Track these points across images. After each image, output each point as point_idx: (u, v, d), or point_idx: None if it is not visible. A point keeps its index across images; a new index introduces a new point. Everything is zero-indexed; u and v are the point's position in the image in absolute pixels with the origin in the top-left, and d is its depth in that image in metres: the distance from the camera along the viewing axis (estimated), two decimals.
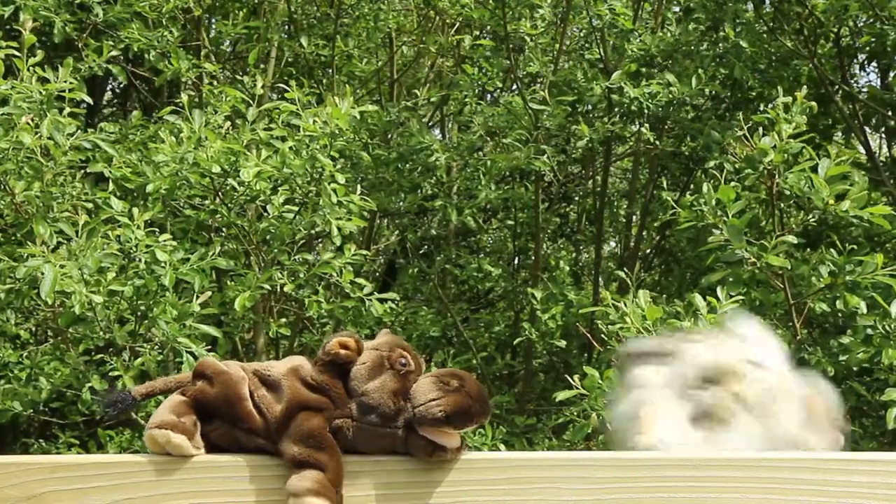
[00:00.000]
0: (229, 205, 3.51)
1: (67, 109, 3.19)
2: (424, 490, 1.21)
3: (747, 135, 3.22)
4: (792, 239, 3.13)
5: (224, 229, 3.86)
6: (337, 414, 1.22)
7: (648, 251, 5.85)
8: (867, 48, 4.81)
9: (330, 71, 4.97)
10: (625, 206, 5.76)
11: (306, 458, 1.18)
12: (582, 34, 5.40)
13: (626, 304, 3.01)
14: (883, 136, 5.38)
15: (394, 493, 1.21)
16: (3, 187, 3.18)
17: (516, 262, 6.04)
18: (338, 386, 1.25)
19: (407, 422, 1.22)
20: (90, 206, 3.33)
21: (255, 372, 1.27)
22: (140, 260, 3.12)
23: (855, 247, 3.28)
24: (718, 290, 2.99)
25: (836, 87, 4.66)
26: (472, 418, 1.24)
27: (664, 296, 4.19)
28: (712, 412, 1.39)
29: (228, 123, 3.61)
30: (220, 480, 1.20)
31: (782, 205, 3.57)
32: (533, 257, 5.33)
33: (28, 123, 3.08)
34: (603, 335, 3.24)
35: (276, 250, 3.57)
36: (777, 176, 3.19)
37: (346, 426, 1.22)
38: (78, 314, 3.02)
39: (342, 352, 1.25)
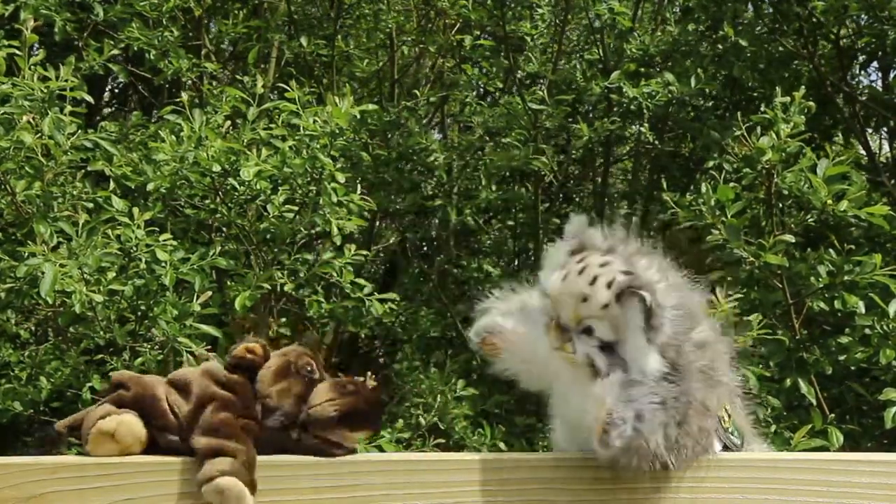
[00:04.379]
0: (229, 204, 3.51)
1: (69, 108, 3.19)
2: (424, 491, 1.21)
3: (745, 134, 3.22)
4: (789, 238, 3.13)
5: (224, 229, 3.86)
6: (244, 413, 1.25)
7: None
8: (867, 49, 4.82)
9: (330, 71, 4.96)
10: (625, 207, 5.76)
11: (217, 447, 1.21)
12: (581, 35, 5.40)
13: None
14: (884, 136, 5.39)
15: (393, 493, 1.21)
16: (3, 187, 3.18)
17: (516, 262, 6.04)
18: (246, 387, 1.28)
19: (301, 423, 1.25)
20: (91, 205, 3.33)
21: (169, 380, 1.31)
22: (140, 259, 3.12)
23: (853, 247, 3.28)
24: (717, 289, 2.99)
25: (837, 87, 4.67)
26: (365, 422, 1.28)
27: None
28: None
29: (229, 123, 3.61)
30: None
31: (781, 205, 3.58)
32: (533, 258, 5.33)
33: (29, 122, 3.08)
34: None
35: (276, 250, 3.57)
36: (776, 175, 3.19)
37: (250, 427, 1.25)
38: (78, 313, 3.02)
39: (248, 356, 1.29)
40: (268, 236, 3.61)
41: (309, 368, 1.30)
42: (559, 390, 1.35)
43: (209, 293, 3.18)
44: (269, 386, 1.28)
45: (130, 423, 1.23)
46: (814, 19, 4.47)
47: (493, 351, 1.37)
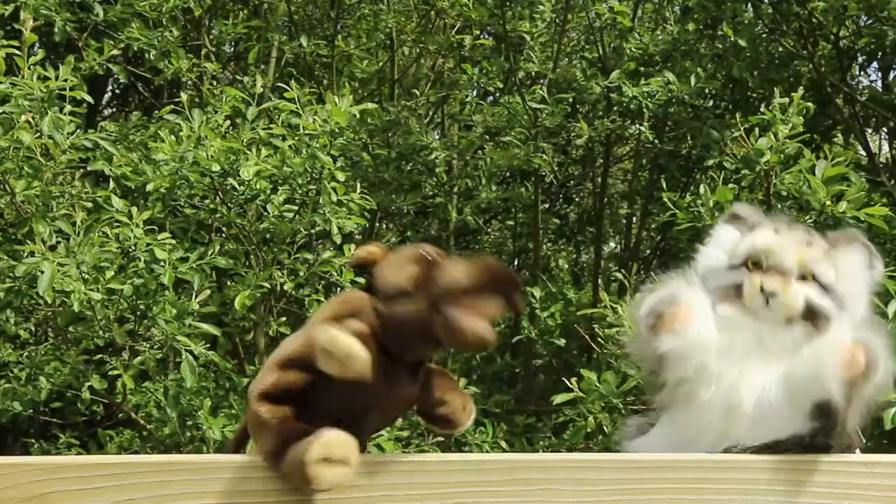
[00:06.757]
0: (229, 204, 3.51)
1: (68, 108, 3.19)
2: (425, 491, 1.21)
3: (744, 136, 3.22)
4: None
5: (224, 229, 3.86)
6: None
7: (648, 252, 5.85)
8: (867, 49, 4.82)
9: (330, 71, 4.96)
10: (624, 207, 5.77)
11: None
12: (582, 34, 5.41)
13: (623, 306, 3.01)
14: (884, 136, 5.39)
15: (395, 493, 1.21)
16: (2, 187, 3.18)
17: (516, 262, 6.05)
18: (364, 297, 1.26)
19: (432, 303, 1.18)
20: (90, 204, 3.33)
21: None
22: (139, 258, 3.12)
23: None
24: None
25: (836, 88, 4.67)
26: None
27: None
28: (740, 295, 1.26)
29: (228, 123, 3.61)
30: (223, 481, 1.20)
31: (780, 206, 3.58)
32: (533, 258, 5.33)
33: (28, 122, 3.08)
34: (600, 338, 3.25)
35: (276, 250, 3.57)
36: (774, 177, 3.19)
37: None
38: (77, 313, 3.02)
39: (367, 257, 1.25)
40: (268, 236, 3.61)
41: (429, 253, 1.22)
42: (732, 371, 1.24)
43: (208, 291, 3.18)
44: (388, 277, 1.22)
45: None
46: (813, 19, 4.47)
47: (672, 325, 1.23)
